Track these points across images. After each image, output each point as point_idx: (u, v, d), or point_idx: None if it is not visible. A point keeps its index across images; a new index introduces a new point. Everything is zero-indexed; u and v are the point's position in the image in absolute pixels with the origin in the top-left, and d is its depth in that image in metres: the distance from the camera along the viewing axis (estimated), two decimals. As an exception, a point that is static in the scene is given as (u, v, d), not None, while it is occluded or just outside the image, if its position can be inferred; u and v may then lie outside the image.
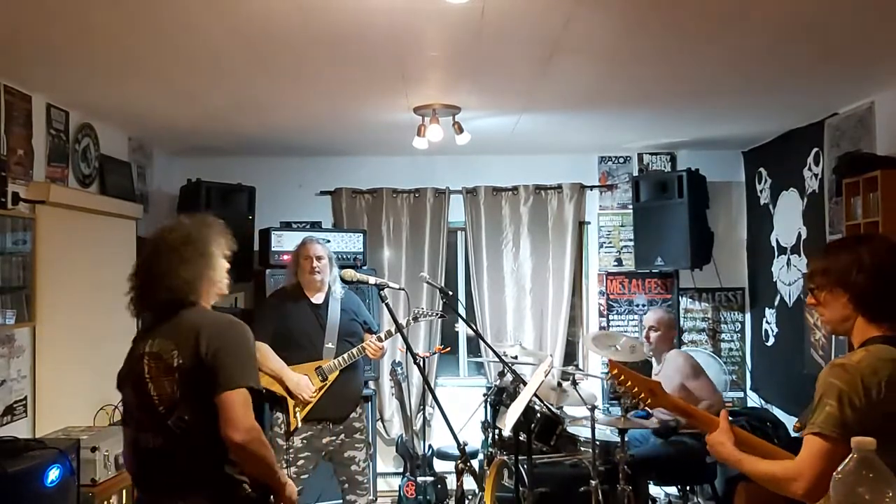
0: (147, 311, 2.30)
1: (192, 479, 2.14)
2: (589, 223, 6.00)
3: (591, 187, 5.96)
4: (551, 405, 4.11)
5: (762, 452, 1.99)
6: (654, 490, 5.02)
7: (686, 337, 5.91)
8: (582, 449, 4.07)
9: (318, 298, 3.98)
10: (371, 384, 5.48)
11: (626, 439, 3.93)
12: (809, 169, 4.80)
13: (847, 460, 1.38)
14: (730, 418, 2.06)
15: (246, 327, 2.21)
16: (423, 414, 5.71)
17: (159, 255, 2.24)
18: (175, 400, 2.11)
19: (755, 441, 2.05)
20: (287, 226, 5.45)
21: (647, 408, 2.15)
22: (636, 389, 2.08)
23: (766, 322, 5.55)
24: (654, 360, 4.69)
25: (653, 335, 4.65)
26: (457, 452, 3.04)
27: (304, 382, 3.82)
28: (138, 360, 2.20)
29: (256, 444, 2.08)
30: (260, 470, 2.16)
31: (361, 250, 5.39)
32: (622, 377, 2.09)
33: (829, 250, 2.02)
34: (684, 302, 5.92)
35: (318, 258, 3.94)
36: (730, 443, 1.97)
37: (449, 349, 5.79)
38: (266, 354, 3.78)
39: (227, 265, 2.36)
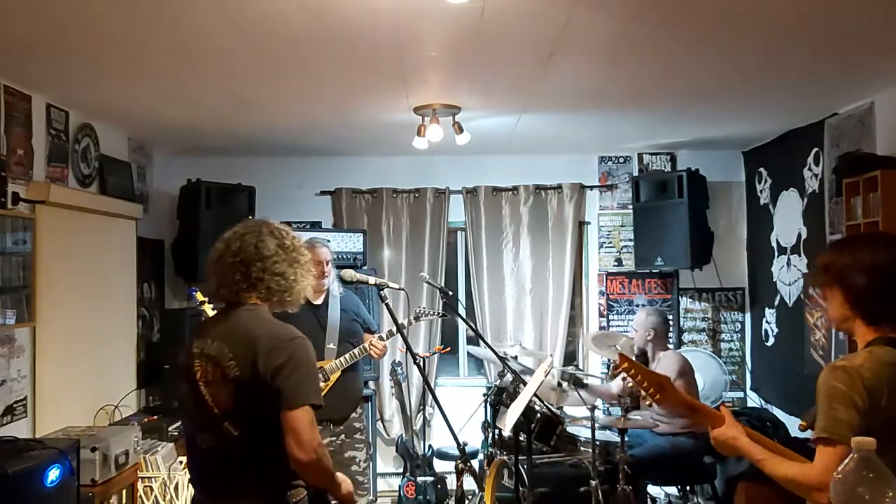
0: (221, 302, 2.28)
1: (245, 482, 2.12)
2: (589, 223, 6.00)
3: (591, 187, 5.96)
4: (551, 405, 4.11)
5: (767, 448, 1.98)
6: (654, 490, 5.03)
7: (686, 337, 5.91)
8: (582, 449, 4.07)
9: (317, 300, 3.98)
10: (371, 384, 5.49)
11: (626, 439, 3.93)
12: (809, 169, 4.80)
13: (847, 460, 1.38)
14: None
15: (306, 340, 2.16)
16: (423, 414, 5.71)
17: (252, 257, 2.21)
18: (229, 409, 2.09)
19: (760, 438, 2.03)
20: (287, 226, 5.42)
21: (654, 403, 2.13)
22: (645, 384, 2.07)
23: (766, 322, 5.55)
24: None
25: (634, 336, 4.71)
26: (457, 452, 3.04)
27: None
28: (194, 358, 2.17)
29: (323, 460, 2.08)
30: (322, 481, 2.17)
31: (361, 250, 5.39)
32: (632, 370, 2.08)
33: (833, 247, 2.02)
34: (684, 302, 5.92)
35: (327, 262, 3.93)
36: (744, 436, 1.95)
37: (449, 349, 5.79)
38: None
39: (307, 286, 2.33)
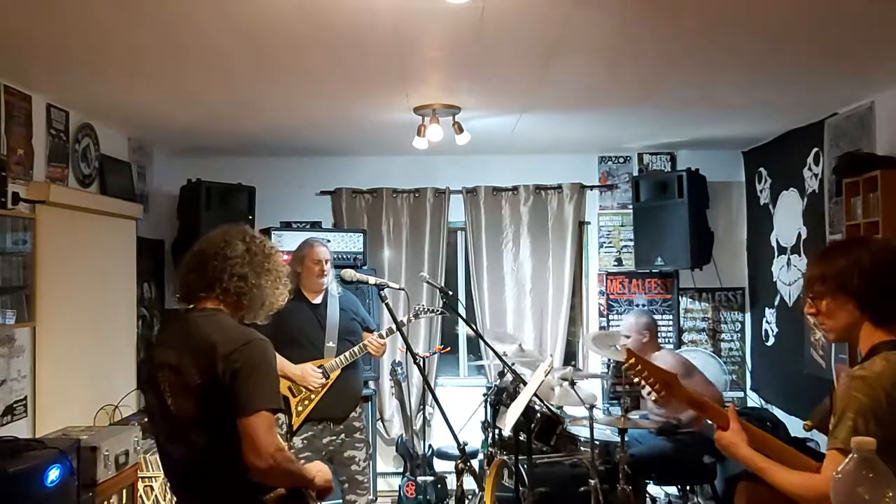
0: (182, 303, 2.25)
1: (220, 488, 2.11)
2: (589, 223, 6.00)
3: (591, 187, 5.96)
4: (551, 405, 4.11)
5: (772, 448, 1.97)
6: (654, 490, 5.02)
7: (686, 337, 5.91)
8: (582, 449, 4.07)
9: (316, 299, 3.98)
10: (371, 384, 5.49)
11: (626, 439, 3.93)
12: (809, 169, 4.80)
13: (847, 460, 1.38)
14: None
15: (265, 343, 2.12)
16: (423, 414, 5.71)
17: (213, 255, 2.18)
18: (195, 417, 2.06)
19: (764, 436, 2.02)
20: (287, 226, 5.45)
21: (660, 399, 2.10)
22: (652, 380, 2.05)
23: (766, 322, 5.55)
24: None
25: (626, 341, 4.63)
26: (457, 452, 3.04)
27: (308, 371, 3.82)
28: (158, 368, 2.13)
29: (283, 464, 2.03)
30: (289, 483, 2.13)
31: (361, 250, 5.39)
32: (639, 367, 2.05)
33: (823, 256, 1.94)
34: (684, 302, 5.92)
35: (326, 261, 3.93)
36: (745, 444, 1.93)
37: (448, 349, 5.79)
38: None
39: (278, 297, 2.29)
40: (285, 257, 2.59)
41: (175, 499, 2.28)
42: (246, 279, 2.18)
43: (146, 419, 2.34)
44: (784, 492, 1.82)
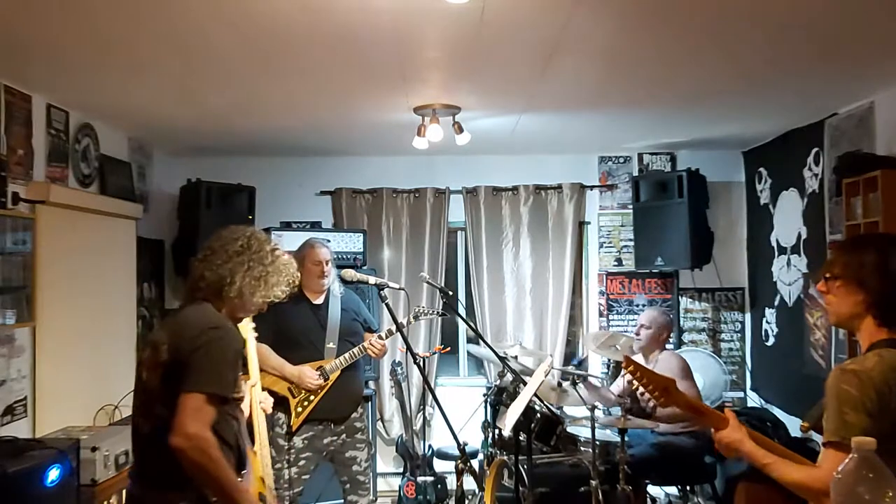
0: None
1: (173, 471, 2.09)
2: (589, 223, 6.00)
3: (591, 187, 5.96)
4: (551, 405, 4.11)
5: (770, 451, 1.97)
6: (654, 490, 5.02)
7: (686, 337, 5.91)
8: (582, 449, 4.07)
9: (318, 299, 3.98)
10: (371, 384, 5.48)
11: (626, 439, 3.93)
12: (809, 169, 4.80)
13: (847, 460, 1.38)
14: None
15: (231, 332, 2.24)
16: (423, 414, 5.71)
17: (211, 249, 2.36)
18: (159, 392, 2.16)
19: (763, 439, 2.03)
20: (287, 226, 5.45)
21: (660, 406, 2.12)
22: (651, 386, 2.07)
23: (766, 322, 5.55)
24: (641, 356, 4.67)
25: (643, 332, 4.65)
26: (457, 452, 3.04)
27: (306, 372, 3.82)
28: (144, 348, 2.29)
29: (195, 452, 2.03)
30: (202, 480, 2.08)
31: (361, 250, 5.39)
32: (638, 374, 2.07)
33: (855, 244, 1.99)
34: (684, 302, 5.91)
35: (327, 262, 3.93)
36: (749, 440, 1.94)
37: (449, 349, 5.79)
38: (266, 354, 3.78)
39: (272, 293, 2.43)
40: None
41: (130, 481, 2.29)
42: (218, 271, 2.31)
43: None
44: (789, 487, 1.84)
